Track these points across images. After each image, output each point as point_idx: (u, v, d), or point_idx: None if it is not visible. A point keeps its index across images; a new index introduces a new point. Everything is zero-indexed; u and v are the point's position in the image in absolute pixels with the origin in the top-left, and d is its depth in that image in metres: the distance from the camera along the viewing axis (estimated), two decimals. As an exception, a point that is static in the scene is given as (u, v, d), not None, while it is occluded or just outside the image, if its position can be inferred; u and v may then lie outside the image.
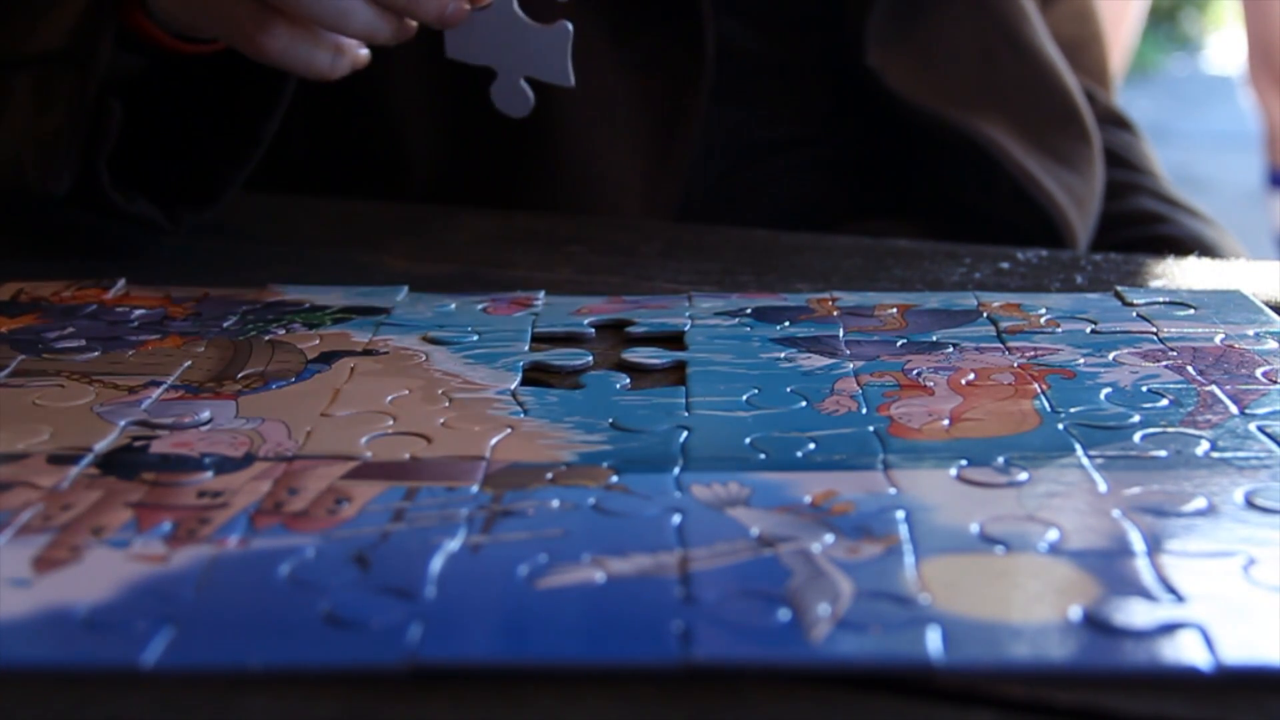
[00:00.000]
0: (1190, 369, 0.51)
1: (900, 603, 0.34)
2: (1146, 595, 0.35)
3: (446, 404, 0.48)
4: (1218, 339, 0.55)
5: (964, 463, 0.43)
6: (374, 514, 0.39)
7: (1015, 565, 0.36)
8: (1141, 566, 0.36)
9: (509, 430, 0.46)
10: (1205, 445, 0.44)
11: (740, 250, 0.71)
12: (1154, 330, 0.56)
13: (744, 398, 0.48)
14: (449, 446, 0.44)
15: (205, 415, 0.47)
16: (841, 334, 0.56)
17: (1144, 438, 0.45)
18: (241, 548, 0.37)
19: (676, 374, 0.52)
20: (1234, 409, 0.47)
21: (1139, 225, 0.94)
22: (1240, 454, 0.43)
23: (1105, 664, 0.32)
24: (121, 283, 0.62)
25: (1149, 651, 0.33)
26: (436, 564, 0.36)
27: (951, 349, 0.54)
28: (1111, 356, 0.53)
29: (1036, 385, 0.50)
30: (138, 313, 0.58)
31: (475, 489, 0.41)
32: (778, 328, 0.57)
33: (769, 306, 0.60)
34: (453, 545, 0.37)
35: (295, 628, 0.34)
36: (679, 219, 0.80)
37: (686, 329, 0.56)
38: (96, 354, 0.54)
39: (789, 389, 0.49)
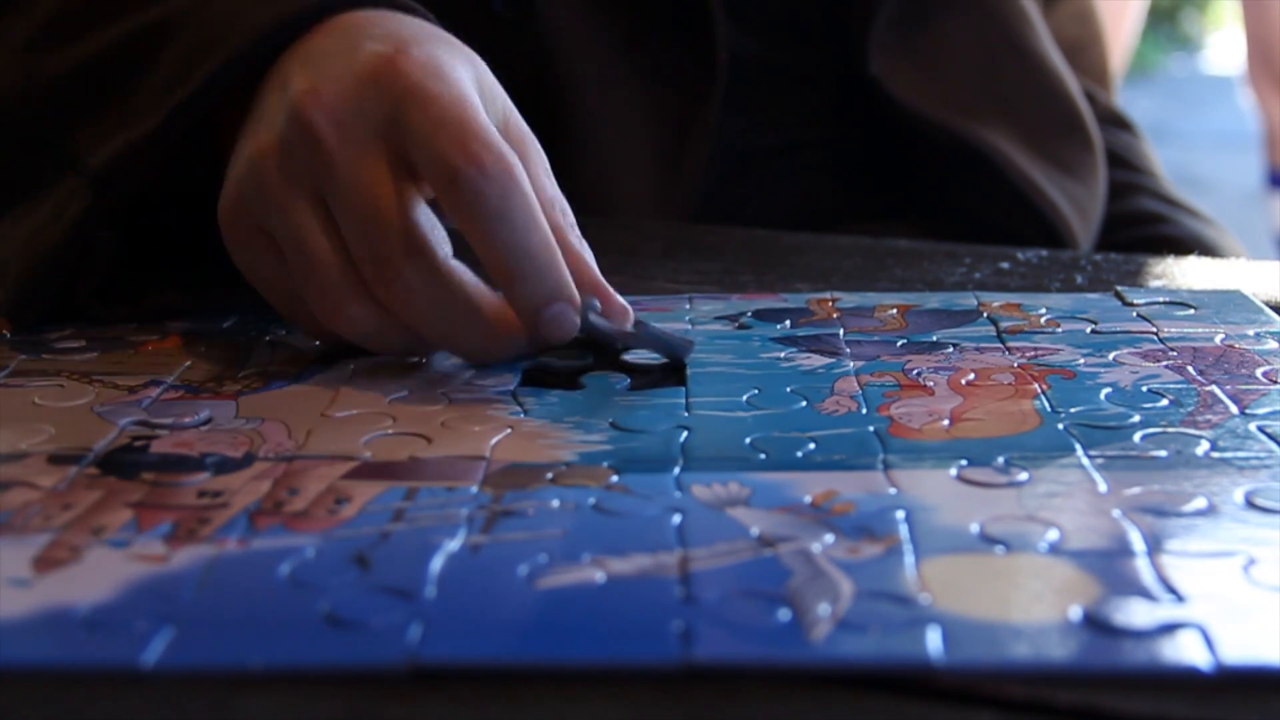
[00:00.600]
0: (1190, 369, 0.51)
1: (900, 603, 0.34)
2: (1147, 595, 0.35)
3: (446, 404, 0.48)
4: (1218, 339, 0.55)
5: (964, 463, 0.43)
6: (374, 514, 0.39)
7: (1015, 565, 0.36)
8: (1142, 566, 0.36)
9: (509, 430, 0.46)
10: (1205, 445, 0.44)
11: (740, 250, 0.71)
12: (1154, 330, 0.56)
13: (744, 398, 0.48)
14: (449, 446, 0.44)
15: (205, 415, 0.47)
16: (842, 334, 0.56)
17: (1144, 438, 0.45)
18: (241, 548, 0.37)
19: (676, 374, 0.51)
20: (1234, 409, 0.47)
21: (1139, 225, 0.94)
22: (1240, 454, 0.43)
23: (1105, 664, 0.32)
24: None
25: (1149, 651, 0.33)
26: (437, 564, 0.36)
27: (951, 349, 0.54)
28: (1112, 356, 0.53)
29: (1036, 385, 0.50)
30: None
31: (475, 489, 0.41)
32: (778, 327, 0.57)
33: (769, 308, 0.60)
34: (453, 545, 0.37)
35: (295, 628, 0.34)
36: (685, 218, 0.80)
37: (687, 330, 0.56)
38: (96, 354, 0.54)
39: (789, 389, 0.49)
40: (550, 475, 0.42)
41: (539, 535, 0.38)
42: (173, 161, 0.57)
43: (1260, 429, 0.45)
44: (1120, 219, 0.93)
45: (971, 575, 0.36)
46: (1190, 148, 4.33)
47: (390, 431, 0.46)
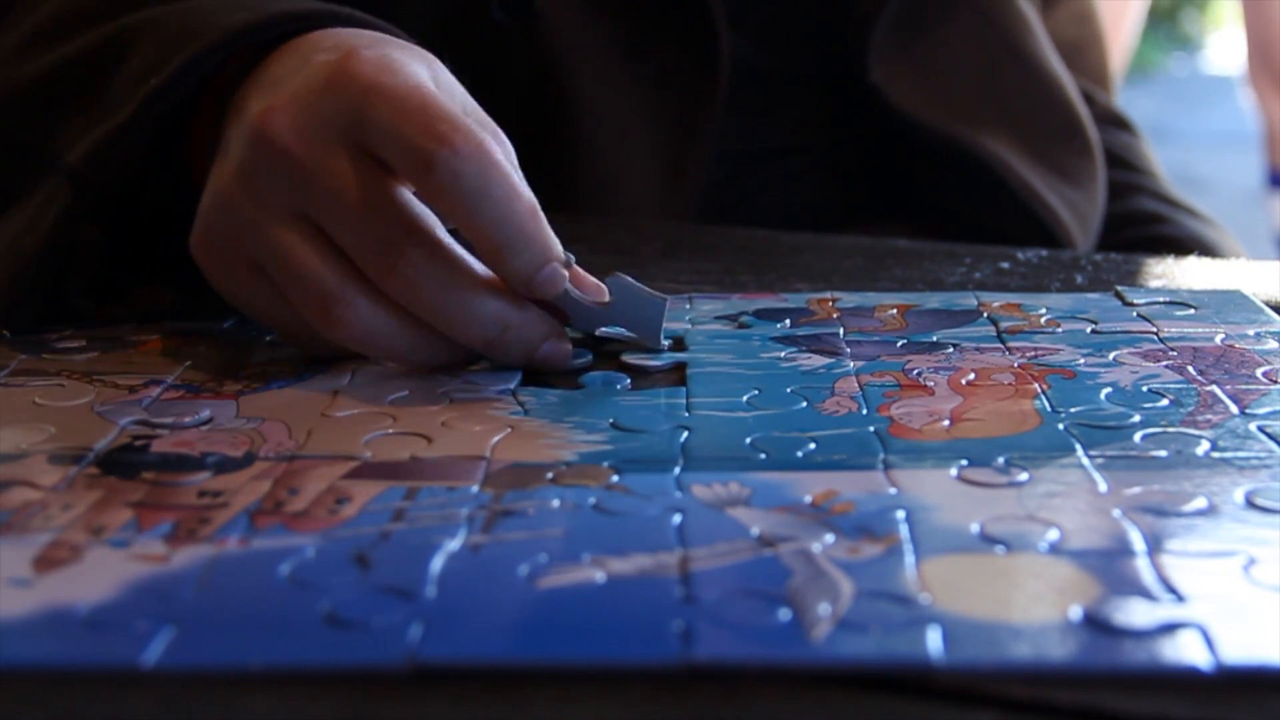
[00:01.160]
0: (1190, 369, 0.51)
1: (901, 602, 0.34)
2: (1147, 595, 0.35)
3: (446, 404, 0.48)
4: (1218, 339, 0.55)
5: (964, 463, 0.43)
6: (374, 514, 0.39)
7: (1016, 565, 0.36)
8: (1142, 566, 0.36)
9: (509, 430, 0.46)
10: (1206, 445, 0.44)
11: (740, 250, 0.71)
12: (1154, 330, 0.56)
13: (744, 398, 0.48)
14: (449, 446, 0.44)
15: (205, 415, 0.47)
16: (842, 334, 0.56)
17: (1144, 438, 0.45)
18: (242, 547, 0.37)
19: (677, 374, 0.51)
20: (1234, 409, 0.47)
21: (1139, 226, 0.94)
22: (1241, 454, 0.43)
23: (1106, 664, 0.32)
24: None
25: (1149, 651, 0.33)
26: (437, 564, 0.36)
27: (952, 349, 0.54)
28: (1112, 356, 0.53)
29: (1037, 385, 0.50)
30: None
31: (475, 489, 0.41)
32: (778, 327, 0.57)
33: (769, 309, 0.60)
34: (453, 545, 0.37)
35: (296, 627, 0.34)
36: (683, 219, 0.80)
37: (687, 331, 0.56)
38: (97, 354, 0.54)
39: (789, 389, 0.49)
40: (550, 475, 0.42)
41: (539, 535, 0.38)
42: (155, 159, 0.56)
43: (1260, 429, 0.45)
44: (1120, 219, 0.93)
45: (972, 575, 0.36)
46: (1190, 148, 4.33)
47: (390, 431, 0.46)
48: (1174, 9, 6.81)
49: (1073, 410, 0.47)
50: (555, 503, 0.40)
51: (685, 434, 0.45)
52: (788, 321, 0.58)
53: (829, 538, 0.38)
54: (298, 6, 0.55)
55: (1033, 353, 0.53)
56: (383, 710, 0.31)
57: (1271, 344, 0.54)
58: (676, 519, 0.39)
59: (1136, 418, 0.46)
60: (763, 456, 0.43)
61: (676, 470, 0.42)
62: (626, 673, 0.32)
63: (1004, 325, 0.57)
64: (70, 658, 0.33)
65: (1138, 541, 0.37)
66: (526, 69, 0.78)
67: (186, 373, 0.51)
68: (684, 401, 0.48)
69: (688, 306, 0.60)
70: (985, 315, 0.58)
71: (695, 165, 0.79)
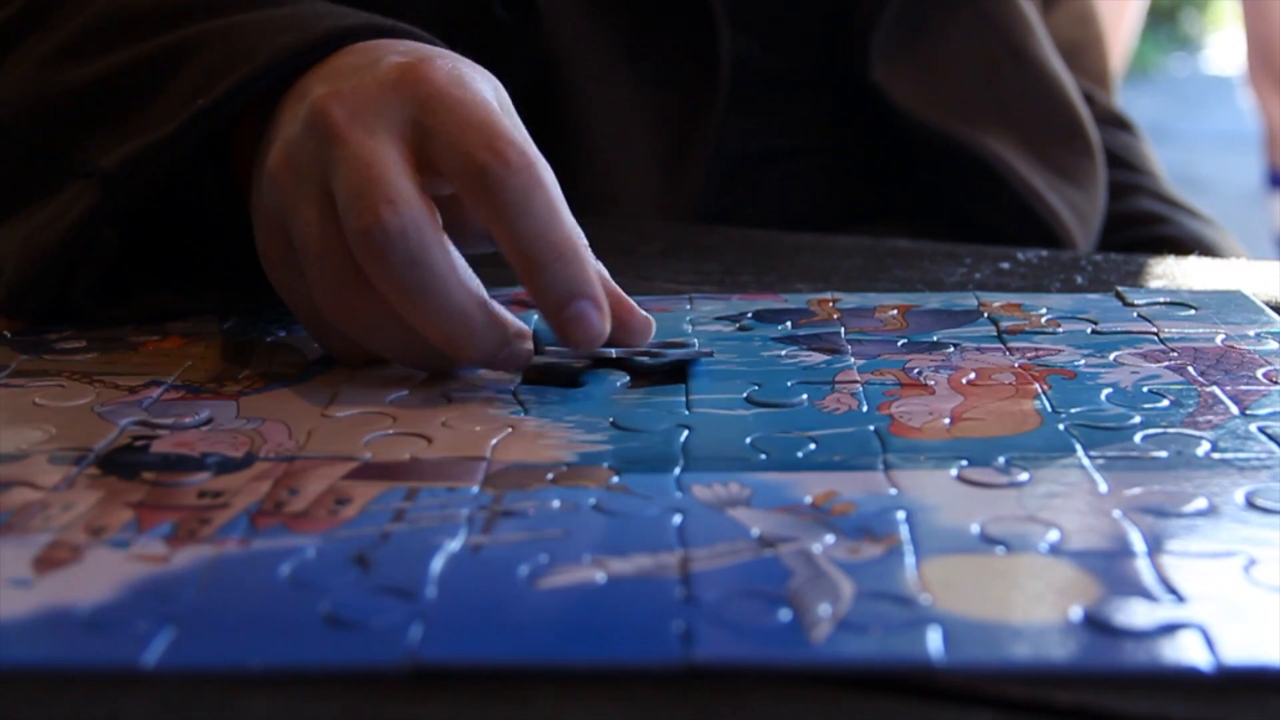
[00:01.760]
0: (1191, 369, 0.51)
1: (901, 603, 0.34)
2: (1147, 595, 0.35)
3: (446, 404, 0.48)
4: (1218, 339, 0.55)
5: (964, 463, 0.43)
6: (374, 514, 0.39)
7: (1016, 565, 0.36)
8: (1142, 567, 0.36)
9: (509, 430, 0.46)
10: (1206, 446, 0.44)
11: (740, 250, 0.71)
12: (1155, 330, 0.56)
13: (744, 395, 0.48)
14: (449, 447, 0.44)
15: (206, 415, 0.47)
16: (843, 333, 0.56)
17: (1145, 438, 0.45)
18: (242, 548, 0.37)
19: (677, 374, 0.51)
20: (1235, 410, 0.47)
21: (1139, 226, 0.94)
22: (1241, 455, 0.43)
23: (1106, 664, 0.32)
24: None
25: (1149, 652, 0.33)
26: (437, 564, 0.36)
27: (952, 349, 0.54)
28: (1112, 357, 0.53)
29: (1037, 385, 0.50)
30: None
31: (476, 489, 0.41)
32: (779, 328, 0.57)
33: (770, 309, 0.60)
34: (453, 545, 0.37)
35: (296, 628, 0.34)
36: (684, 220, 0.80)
37: (688, 334, 0.56)
38: (97, 354, 0.54)
39: (790, 383, 0.49)
40: (551, 475, 0.42)
41: (539, 535, 0.38)
42: (184, 171, 0.57)
43: (1261, 430, 0.45)
44: (1120, 219, 0.93)
45: (972, 576, 0.36)
46: (1190, 148, 4.33)
47: (391, 432, 0.46)
48: (1174, 9, 6.81)
49: (1073, 411, 0.47)
50: (555, 503, 0.40)
51: (685, 434, 0.45)
52: (789, 323, 0.58)
53: (829, 538, 0.38)
54: (344, 23, 0.56)
55: (1033, 353, 0.53)
56: (383, 710, 0.31)
57: (1272, 344, 0.54)
58: (677, 519, 0.39)
59: (1137, 418, 0.46)
60: (763, 457, 0.43)
61: (677, 470, 0.42)
62: (627, 673, 0.32)
63: (1004, 325, 0.57)
64: (70, 658, 0.33)
65: (1138, 542, 0.37)
66: (527, 67, 0.78)
67: (187, 373, 0.51)
68: (684, 400, 0.48)
69: (688, 307, 0.60)
70: (986, 315, 0.58)
71: (695, 164, 0.79)
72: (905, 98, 0.81)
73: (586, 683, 0.32)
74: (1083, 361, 0.52)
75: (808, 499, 0.40)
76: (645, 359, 0.52)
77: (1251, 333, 0.56)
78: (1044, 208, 0.81)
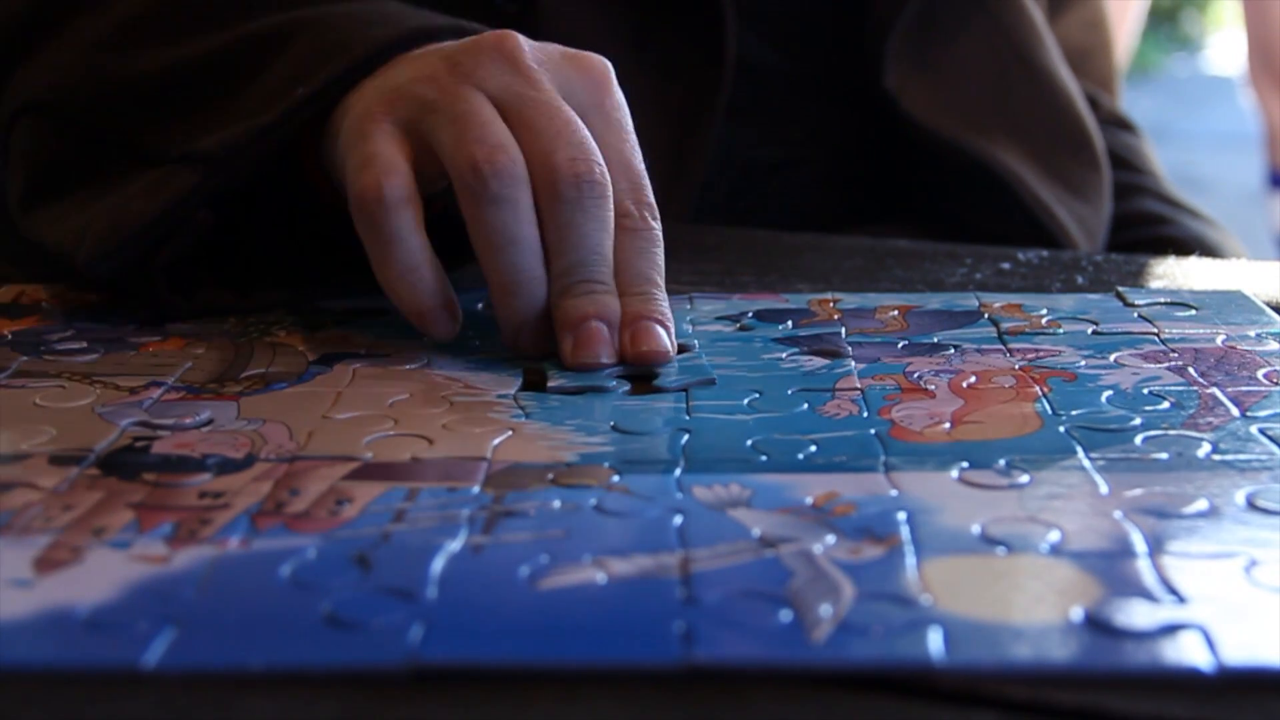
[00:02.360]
0: (1191, 370, 0.51)
1: (902, 604, 0.34)
2: (1148, 596, 0.35)
3: (447, 406, 0.48)
4: (1219, 340, 0.55)
5: (965, 465, 0.43)
6: (375, 515, 0.39)
7: (1017, 566, 0.36)
8: (1143, 568, 0.36)
9: (510, 432, 0.46)
10: (1206, 447, 0.44)
11: (741, 251, 0.71)
12: (1155, 331, 0.56)
13: (745, 401, 0.48)
14: (450, 447, 0.44)
15: (206, 416, 0.47)
16: (843, 334, 0.56)
17: (1145, 440, 0.45)
18: (243, 548, 0.37)
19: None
20: (1235, 411, 0.47)
21: (1141, 226, 0.94)
22: (1241, 456, 0.43)
23: (1107, 665, 0.32)
24: None
25: (1150, 652, 0.33)
26: (438, 565, 0.36)
27: (953, 350, 0.54)
28: (1113, 358, 0.53)
29: (1038, 388, 0.50)
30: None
31: (476, 489, 0.41)
32: (779, 328, 0.57)
33: (771, 309, 0.60)
34: (454, 546, 0.37)
35: (296, 628, 0.34)
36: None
37: (689, 334, 0.56)
38: (97, 355, 0.54)
39: (790, 391, 0.49)
40: (551, 476, 0.42)
41: (540, 536, 0.38)
42: (275, 161, 0.58)
43: (1261, 431, 0.45)
44: (1122, 220, 0.93)
45: (973, 576, 0.36)
46: (1190, 148, 4.33)
47: (391, 432, 0.46)
48: (1174, 9, 6.81)
49: (1074, 413, 0.47)
50: (556, 504, 0.40)
51: (686, 436, 0.45)
52: (789, 323, 0.57)
53: (830, 539, 0.38)
54: (433, 22, 0.58)
55: (1034, 354, 0.53)
56: (383, 711, 0.31)
57: (1272, 345, 0.54)
58: (677, 520, 0.39)
59: (1137, 420, 0.46)
60: (764, 458, 0.43)
61: (677, 471, 0.42)
62: (627, 673, 0.32)
63: (1005, 326, 0.57)
64: (71, 658, 0.33)
65: (1139, 543, 0.37)
66: None
67: (187, 374, 0.51)
68: (684, 404, 0.48)
69: (688, 307, 0.60)
70: (986, 316, 0.58)
71: (695, 163, 0.79)
72: (917, 106, 0.81)
73: (586, 683, 0.32)
74: (1083, 362, 0.52)
75: (808, 500, 0.40)
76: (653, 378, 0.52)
77: (1252, 333, 0.56)
78: (1053, 222, 0.81)
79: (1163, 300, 0.60)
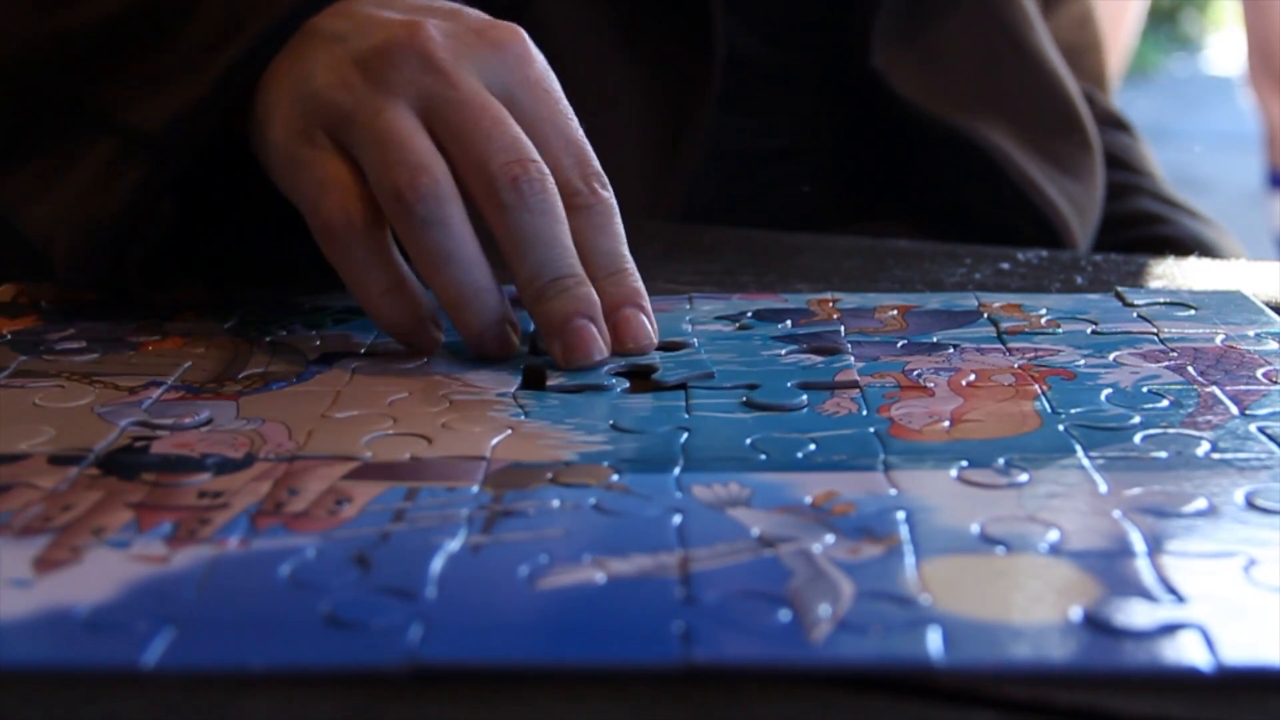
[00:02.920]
0: (1191, 369, 0.51)
1: (901, 603, 0.34)
2: (1147, 596, 0.35)
3: (447, 405, 0.48)
4: (1218, 339, 0.55)
5: (964, 464, 0.43)
6: (374, 514, 0.39)
7: (1016, 566, 0.36)
8: (1142, 567, 0.36)
9: (509, 431, 0.46)
10: (1206, 446, 0.44)
11: (741, 251, 0.71)
12: (1154, 331, 0.56)
13: (743, 400, 0.48)
14: (449, 447, 0.44)
15: (205, 416, 0.47)
16: (843, 333, 0.56)
17: (1144, 439, 0.45)
18: (242, 548, 0.37)
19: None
20: (1234, 410, 0.47)
21: (1139, 226, 0.94)
22: (1241, 455, 0.43)
23: (1106, 664, 0.32)
24: None
25: (1150, 652, 0.33)
26: (437, 564, 0.36)
27: (952, 350, 0.54)
28: (1112, 357, 0.53)
29: (1037, 386, 0.50)
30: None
31: (476, 489, 0.41)
32: (779, 327, 0.57)
33: (770, 309, 0.60)
34: (453, 545, 0.37)
35: (296, 628, 0.34)
36: (680, 221, 0.80)
37: (688, 334, 0.56)
38: (97, 355, 0.54)
39: (790, 384, 0.49)
40: (550, 475, 0.42)
41: (539, 535, 0.38)
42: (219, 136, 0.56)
43: (1260, 430, 0.45)
44: (1120, 220, 0.93)
45: (972, 576, 0.36)
46: (1190, 148, 4.32)
47: (391, 432, 0.46)
48: (1174, 9, 6.81)
49: (1073, 411, 0.47)
50: (555, 503, 0.40)
51: (685, 435, 0.45)
52: (789, 322, 0.58)
53: (829, 538, 0.38)
54: None
55: (1033, 353, 0.53)
56: (383, 711, 0.31)
57: (1272, 345, 0.54)
58: (677, 519, 0.39)
59: (1137, 419, 0.46)
60: (763, 457, 0.43)
61: (677, 471, 0.42)
62: (627, 673, 0.32)
63: (1004, 326, 0.57)
64: (70, 658, 0.33)
65: (1138, 542, 0.37)
66: None
67: (186, 374, 0.51)
68: (684, 403, 0.48)
69: (688, 306, 0.60)
70: (986, 316, 0.58)
71: (686, 157, 0.79)
72: (905, 85, 0.81)
73: (586, 683, 0.32)
74: (1082, 362, 0.52)
75: (808, 499, 0.40)
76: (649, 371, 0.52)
77: (1251, 333, 0.56)
78: (1041, 199, 0.81)
79: (1162, 300, 0.60)
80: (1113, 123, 0.99)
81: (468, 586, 0.35)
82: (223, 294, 0.59)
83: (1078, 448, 0.44)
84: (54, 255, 0.57)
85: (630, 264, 0.54)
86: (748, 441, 0.45)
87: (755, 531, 0.38)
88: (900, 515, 0.39)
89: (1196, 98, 5.62)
